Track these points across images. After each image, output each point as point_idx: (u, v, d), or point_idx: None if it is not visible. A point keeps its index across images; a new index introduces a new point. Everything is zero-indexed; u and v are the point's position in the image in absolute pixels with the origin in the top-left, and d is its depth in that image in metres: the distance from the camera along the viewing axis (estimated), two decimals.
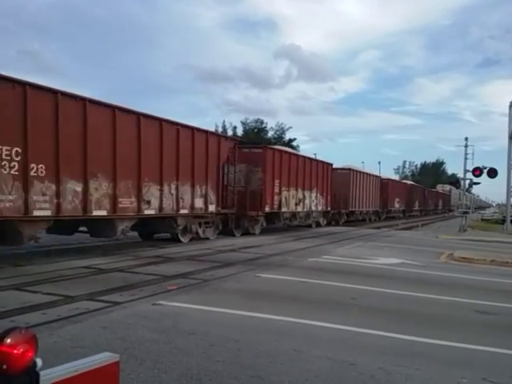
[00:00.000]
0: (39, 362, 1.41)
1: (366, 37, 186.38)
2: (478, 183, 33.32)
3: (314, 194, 26.06)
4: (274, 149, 22.53)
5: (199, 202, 16.54)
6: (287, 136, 57.05)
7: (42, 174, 10.74)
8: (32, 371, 1.38)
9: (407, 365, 4.95)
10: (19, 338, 1.36)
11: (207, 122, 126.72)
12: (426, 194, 65.33)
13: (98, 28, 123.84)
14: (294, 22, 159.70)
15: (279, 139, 55.08)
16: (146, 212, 14.06)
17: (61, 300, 7.19)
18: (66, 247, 13.49)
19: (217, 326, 6.04)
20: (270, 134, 56.95)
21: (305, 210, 25.13)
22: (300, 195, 24.24)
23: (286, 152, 23.74)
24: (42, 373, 1.40)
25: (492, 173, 30.13)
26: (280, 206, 22.12)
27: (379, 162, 72.79)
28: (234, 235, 19.23)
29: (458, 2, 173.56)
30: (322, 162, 27.84)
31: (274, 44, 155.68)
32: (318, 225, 27.74)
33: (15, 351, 1.33)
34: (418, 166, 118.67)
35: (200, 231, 17.04)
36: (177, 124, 15.37)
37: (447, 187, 77.71)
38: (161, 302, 7.23)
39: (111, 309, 6.76)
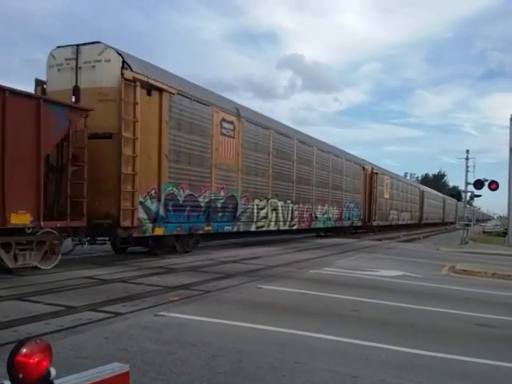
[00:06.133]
0: (53, 371, 1.45)
1: (367, 49, 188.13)
2: (480, 196, 33.47)
3: None
4: None
5: None
6: None
7: None
8: (46, 380, 1.42)
9: (409, 377, 4.96)
10: (34, 348, 1.40)
11: None
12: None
13: (102, 39, 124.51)
14: (295, 35, 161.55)
15: None
16: None
17: (63, 310, 7.22)
18: (67, 258, 13.49)
19: (219, 338, 6.06)
20: None
21: None
22: None
23: None
24: (55, 382, 1.44)
25: (493, 185, 30.21)
26: None
27: None
28: None
29: (461, 14, 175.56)
30: None
31: (277, 55, 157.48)
32: None
33: (31, 360, 1.38)
34: (420, 177, 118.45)
35: None
36: None
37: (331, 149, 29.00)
38: (163, 312, 7.25)
39: (113, 319, 6.78)
